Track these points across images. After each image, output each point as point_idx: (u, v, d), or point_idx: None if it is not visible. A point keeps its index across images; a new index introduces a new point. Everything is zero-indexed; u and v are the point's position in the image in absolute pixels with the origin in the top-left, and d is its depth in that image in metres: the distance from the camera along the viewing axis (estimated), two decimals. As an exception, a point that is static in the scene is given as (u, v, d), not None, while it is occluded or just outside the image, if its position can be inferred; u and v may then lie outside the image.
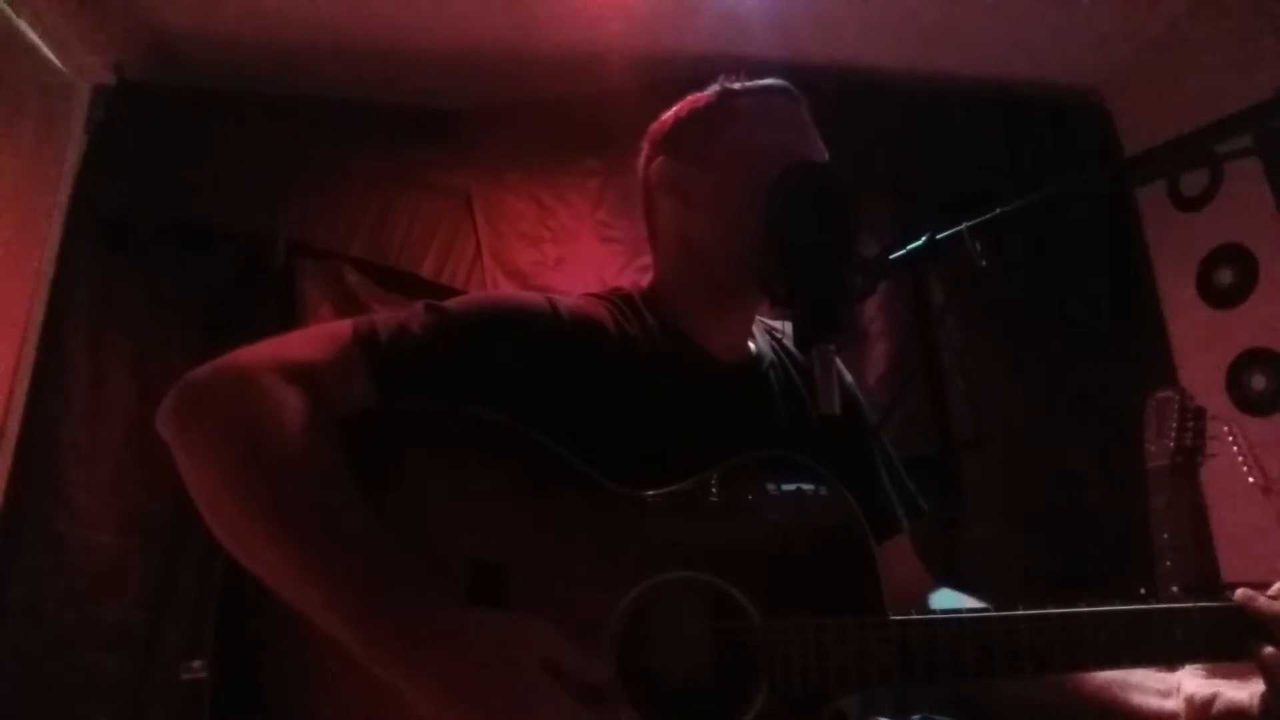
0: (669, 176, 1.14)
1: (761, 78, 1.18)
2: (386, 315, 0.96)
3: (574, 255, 2.47)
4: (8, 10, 2.09)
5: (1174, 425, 1.92)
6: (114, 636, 2.06)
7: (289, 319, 2.32)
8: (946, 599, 1.17)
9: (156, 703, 2.00)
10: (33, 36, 2.18)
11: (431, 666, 0.77)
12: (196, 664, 0.88)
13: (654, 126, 1.21)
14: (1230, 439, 2.10)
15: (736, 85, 1.16)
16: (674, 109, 1.20)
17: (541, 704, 0.79)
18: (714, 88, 1.17)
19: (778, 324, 1.26)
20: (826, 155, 1.14)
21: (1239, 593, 0.93)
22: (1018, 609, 0.91)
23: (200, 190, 2.36)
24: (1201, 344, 2.50)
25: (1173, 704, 0.95)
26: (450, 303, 1.00)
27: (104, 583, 2.08)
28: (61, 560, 2.04)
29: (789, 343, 1.22)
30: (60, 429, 2.11)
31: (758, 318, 1.22)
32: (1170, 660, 0.93)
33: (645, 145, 1.21)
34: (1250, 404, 2.34)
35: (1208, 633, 0.90)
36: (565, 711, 0.80)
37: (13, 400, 2.10)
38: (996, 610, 0.92)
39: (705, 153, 1.12)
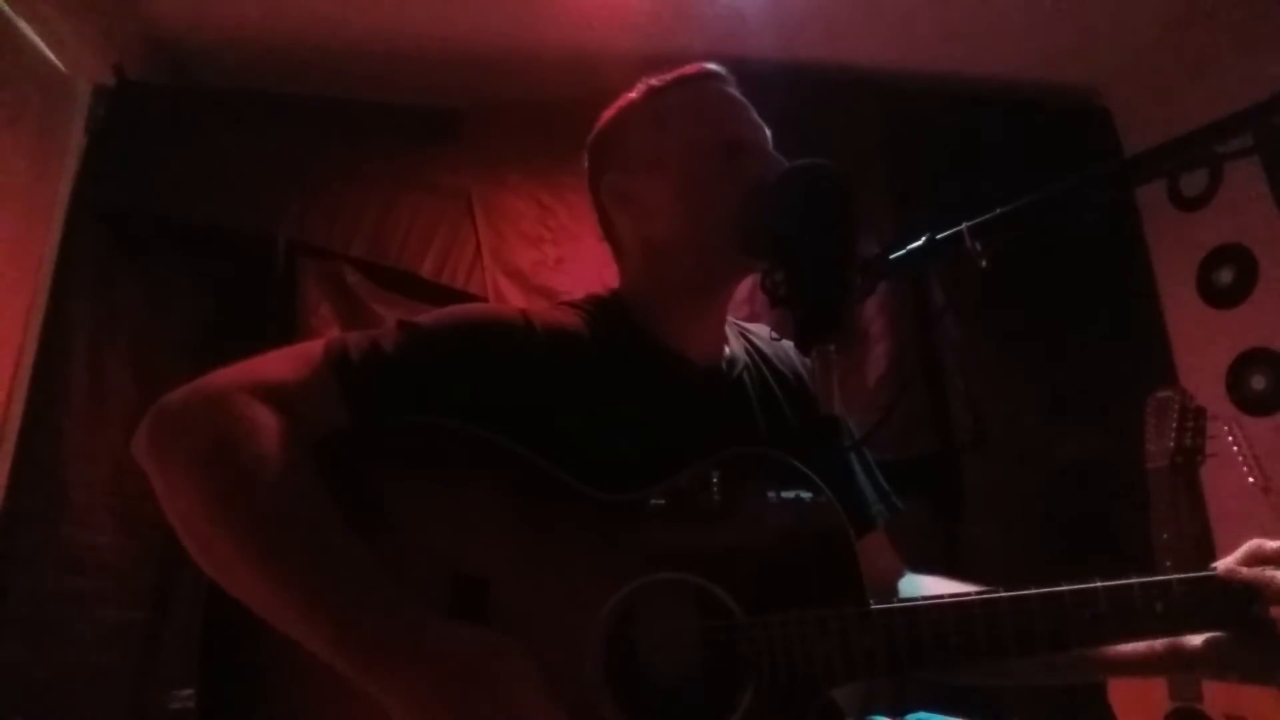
0: (620, 190, 1.14)
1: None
2: (359, 334, 0.96)
3: (574, 255, 2.47)
4: (7, 10, 2.09)
5: (1174, 425, 1.92)
6: (114, 636, 2.06)
7: (289, 319, 2.33)
8: (915, 585, 1.18)
9: (156, 703, 2.00)
10: (33, 36, 2.17)
11: (406, 677, 0.77)
12: (185, 693, 0.88)
13: (591, 140, 1.20)
14: (1230, 439, 2.10)
15: (660, 82, 1.15)
16: (606, 118, 1.19)
17: (516, 715, 0.78)
18: (640, 89, 1.16)
19: (750, 325, 1.27)
20: (768, 131, 1.14)
21: (1221, 566, 0.94)
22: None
23: (200, 190, 2.35)
24: (1201, 344, 2.50)
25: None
26: (424, 318, 1.00)
27: (104, 583, 2.08)
28: (61, 560, 2.03)
29: (761, 344, 1.22)
30: (60, 429, 2.10)
31: (730, 320, 1.21)
32: (1154, 634, 0.93)
33: (587, 161, 1.20)
34: (1250, 404, 2.34)
35: (1189, 604, 0.91)
36: None
37: (13, 400, 2.09)
38: (977, 593, 0.92)
39: (651, 159, 1.12)
